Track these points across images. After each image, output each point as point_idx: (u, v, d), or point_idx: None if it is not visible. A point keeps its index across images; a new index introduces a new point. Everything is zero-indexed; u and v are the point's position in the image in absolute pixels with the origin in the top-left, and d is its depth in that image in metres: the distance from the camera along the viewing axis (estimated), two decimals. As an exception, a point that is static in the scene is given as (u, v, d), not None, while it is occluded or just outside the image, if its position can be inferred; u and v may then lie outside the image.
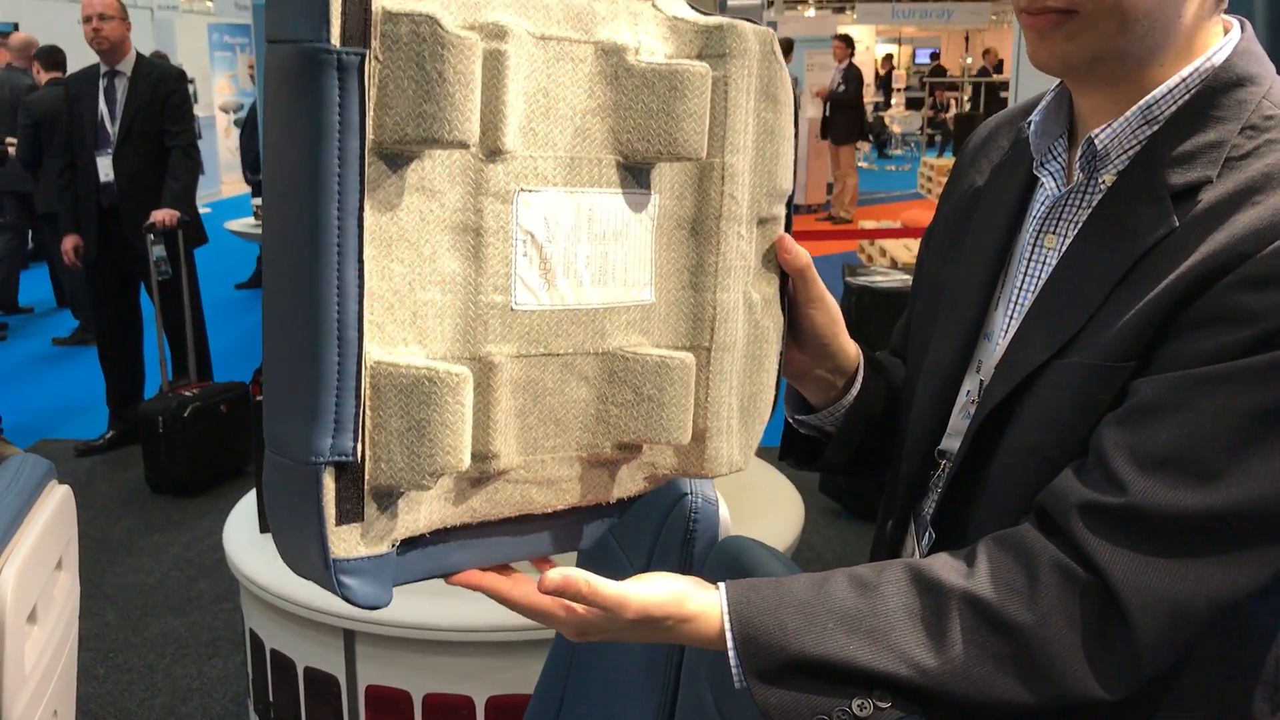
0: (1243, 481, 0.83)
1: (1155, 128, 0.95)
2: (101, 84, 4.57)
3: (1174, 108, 0.94)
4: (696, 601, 0.91)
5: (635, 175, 0.94)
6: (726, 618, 0.90)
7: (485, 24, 0.84)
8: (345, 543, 0.84)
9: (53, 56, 6.76)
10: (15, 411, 5.28)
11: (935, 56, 25.25)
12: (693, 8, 0.98)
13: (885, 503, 1.18)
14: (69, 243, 4.64)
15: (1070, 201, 1.01)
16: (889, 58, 23.18)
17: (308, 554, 0.84)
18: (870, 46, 21.41)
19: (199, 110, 6.80)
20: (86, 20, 4.50)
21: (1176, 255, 0.88)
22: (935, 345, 1.10)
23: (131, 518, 4.13)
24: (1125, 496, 0.85)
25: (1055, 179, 1.02)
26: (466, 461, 0.84)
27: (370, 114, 0.79)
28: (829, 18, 18.72)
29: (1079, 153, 0.98)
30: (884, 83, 20.79)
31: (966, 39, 25.23)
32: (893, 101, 20.53)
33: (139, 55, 4.66)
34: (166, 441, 4.26)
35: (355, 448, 0.81)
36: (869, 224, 7.92)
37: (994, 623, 0.86)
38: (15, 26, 12.85)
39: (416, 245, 0.84)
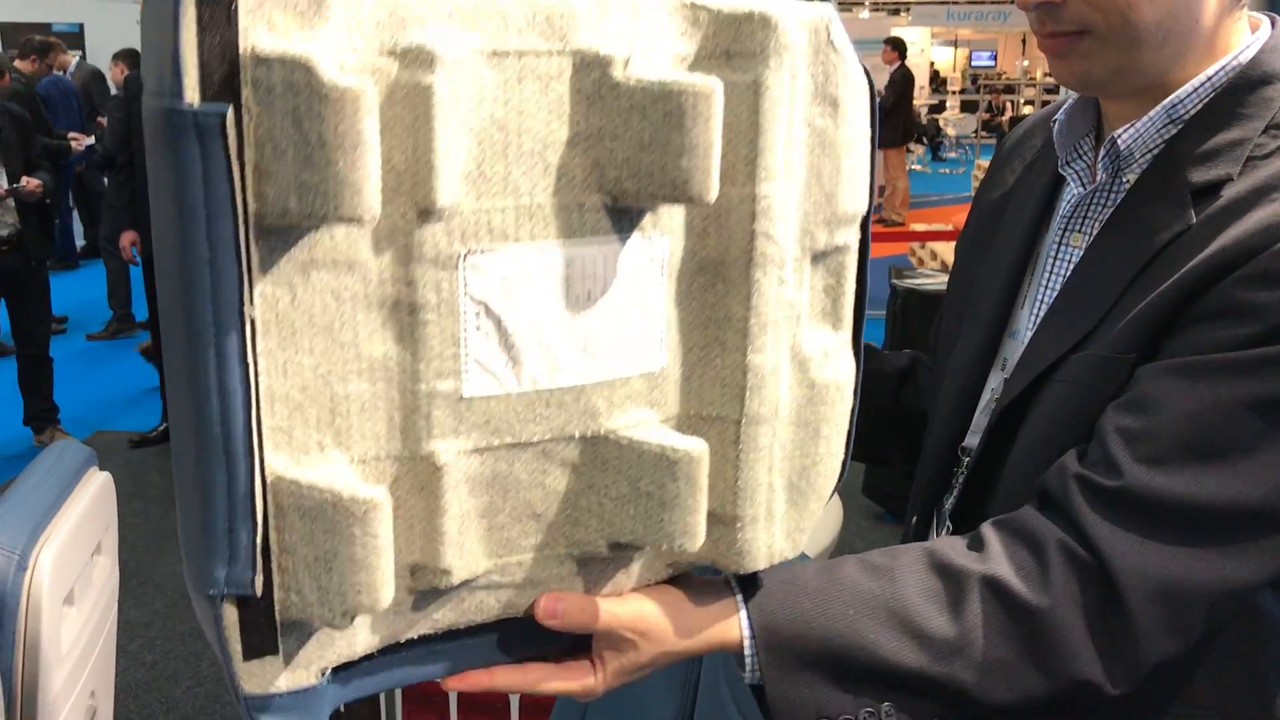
0: (1237, 472, 0.82)
1: (1179, 127, 0.93)
2: (159, 83, 4.65)
3: (1198, 107, 0.93)
4: (705, 602, 0.87)
5: (632, 219, 0.74)
6: (743, 610, 0.87)
7: (409, 49, 0.65)
8: (257, 678, 0.71)
9: (135, 56, 6.95)
10: (73, 403, 5.39)
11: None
12: None
13: (911, 500, 1.19)
14: (126, 239, 4.73)
15: (1095, 201, 1.00)
16: (938, 67, 22.92)
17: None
18: (925, 49, 21.22)
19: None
20: (145, 20, 4.59)
21: (1189, 251, 0.87)
22: (961, 344, 1.10)
23: (182, 509, 4.21)
24: (1120, 480, 0.84)
25: (1081, 178, 1.01)
26: (386, 599, 0.70)
27: (250, 182, 0.63)
28: (883, 20, 18.56)
29: (1102, 153, 0.97)
30: (938, 85, 20.61)
31: (1024, 41, 24.91)
32: (947, 104, 20.34)
33: (196, 55, 4.74)
34: (216, 434, 4.32)
35: (254, 579, 0.67)
36: (920, 226, 7.87)
37: (1011, 606, 0.85)
38: (80, 27, 13.14)
39: (330, 331, 0.68)
